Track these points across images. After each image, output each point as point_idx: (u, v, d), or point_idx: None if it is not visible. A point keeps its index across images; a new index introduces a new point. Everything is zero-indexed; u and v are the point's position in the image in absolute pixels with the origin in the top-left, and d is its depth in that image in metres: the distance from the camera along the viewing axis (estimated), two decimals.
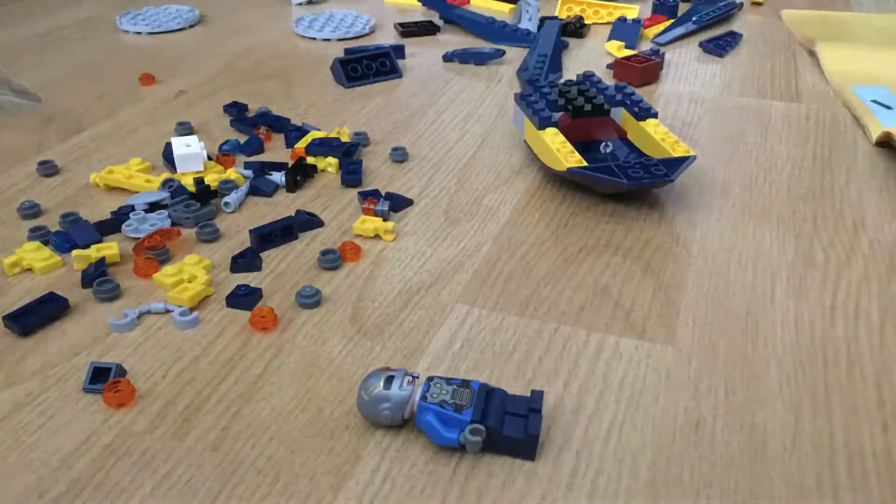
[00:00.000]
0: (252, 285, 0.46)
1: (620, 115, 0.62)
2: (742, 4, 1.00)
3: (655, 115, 0.59)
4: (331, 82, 0.77)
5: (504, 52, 0.80)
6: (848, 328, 0.44)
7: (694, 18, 0.91)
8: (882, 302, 0.46)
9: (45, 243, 0.50)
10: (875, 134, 0.64)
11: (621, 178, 0.51)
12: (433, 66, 0.81)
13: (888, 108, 0.68)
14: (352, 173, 0.57)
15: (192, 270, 0.47)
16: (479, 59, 0.80)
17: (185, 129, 0.66)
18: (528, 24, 0.87)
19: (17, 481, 0.35)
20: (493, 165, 0.61)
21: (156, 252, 0.49)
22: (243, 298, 0.45)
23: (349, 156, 0.60)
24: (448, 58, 0.81)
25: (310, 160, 0.60)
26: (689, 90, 0.75)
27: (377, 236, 0.52)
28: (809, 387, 0.40)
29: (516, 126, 0.63)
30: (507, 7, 0.99)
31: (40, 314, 0.44)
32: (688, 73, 0.79)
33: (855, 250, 0.50)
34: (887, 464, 0.35)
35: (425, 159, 0.62)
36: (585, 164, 0.53)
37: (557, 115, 0.60)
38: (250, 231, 0.51)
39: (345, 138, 0.64)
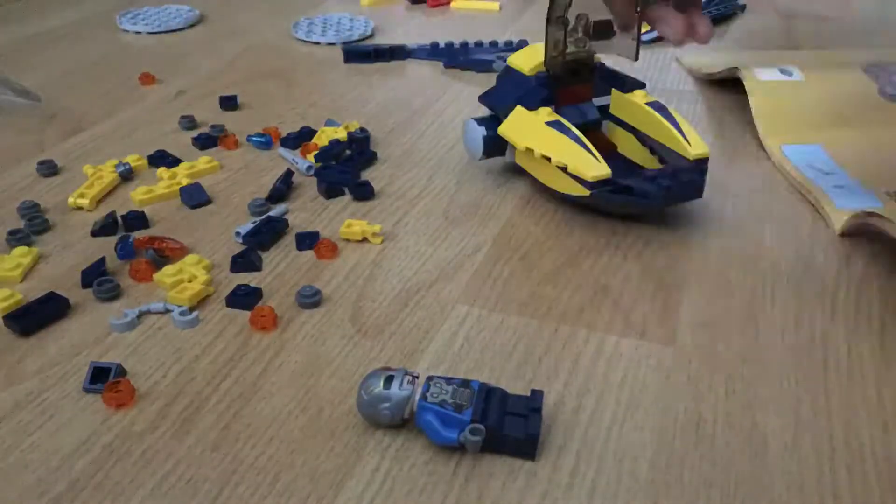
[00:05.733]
0: (252, 285, 0.46)
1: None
2: (745, 6, 0.99)
3: (643, 87, 0.55)
4: (331, 82, 0.77)
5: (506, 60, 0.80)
6: (848, 328, 0.44)
7: None
8: (882, 302, 0.46)
9: (29, 245, 0.50)
10: (837, 223, 0.51)
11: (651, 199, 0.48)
12: (433, 69, 0.81)
13: (826, 174, 0.56)
14: (361, 185, 0.57)
15: (192, 270, 0.47)
16: (481, 66, 0.80)
17: (188, 123, 0.66)
18: None
19: (17, 481, 0.35)
20: (492, 165, 0.61)
21: (156, 258, 0.48)
22: (243, 298, 0.45)
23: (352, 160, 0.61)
24: (449, 64, 0.81)
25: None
26: (689, 89, 0.75)
27: (364, 240, 0.51)
28: (809, 387, 0.40)
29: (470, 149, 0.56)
30: (495, 6, 0.99)
31: (40, 314, 0.44)
32: (687, 73, 0.79)
33: (855, 250, 0.50)
34: (887, 464, 0.35)
35: (425, 159, 0.62)
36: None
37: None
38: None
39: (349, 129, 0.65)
